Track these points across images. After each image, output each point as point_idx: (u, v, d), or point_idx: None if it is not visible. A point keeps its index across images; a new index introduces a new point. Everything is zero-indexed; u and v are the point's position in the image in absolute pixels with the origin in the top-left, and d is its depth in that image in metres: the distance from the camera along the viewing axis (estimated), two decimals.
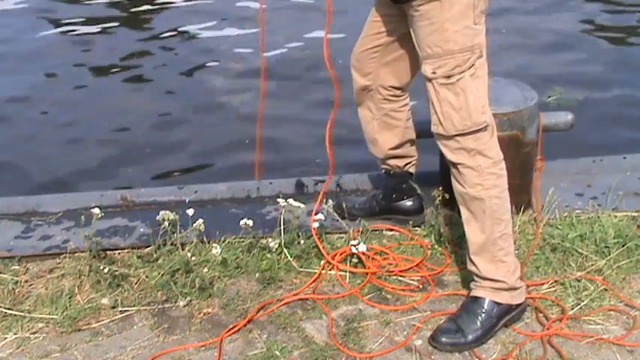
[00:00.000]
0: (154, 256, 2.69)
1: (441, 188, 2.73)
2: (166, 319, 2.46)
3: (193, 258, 2.62)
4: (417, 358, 2.25)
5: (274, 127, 4.70)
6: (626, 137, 4.42)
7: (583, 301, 2.45)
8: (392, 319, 2.41)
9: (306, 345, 2.30)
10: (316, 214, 2.74)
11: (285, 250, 2.68)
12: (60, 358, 2.30)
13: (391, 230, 2.86)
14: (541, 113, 2.83)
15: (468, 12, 2.15)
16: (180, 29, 6.71)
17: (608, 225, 2.75)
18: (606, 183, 3.08)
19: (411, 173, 2.81)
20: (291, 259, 2.67)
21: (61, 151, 4.59)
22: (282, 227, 2.70)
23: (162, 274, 2.57)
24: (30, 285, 2.63)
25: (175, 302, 2.51)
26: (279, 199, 2.79)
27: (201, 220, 2.66)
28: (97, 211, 2.66)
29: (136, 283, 2.60)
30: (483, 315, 2.30)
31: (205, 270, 2.61)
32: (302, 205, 2.74)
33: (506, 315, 2.34)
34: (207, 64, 5.88)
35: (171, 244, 2.68)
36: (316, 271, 2.63)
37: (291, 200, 2.75)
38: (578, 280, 2.54)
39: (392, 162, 2.78)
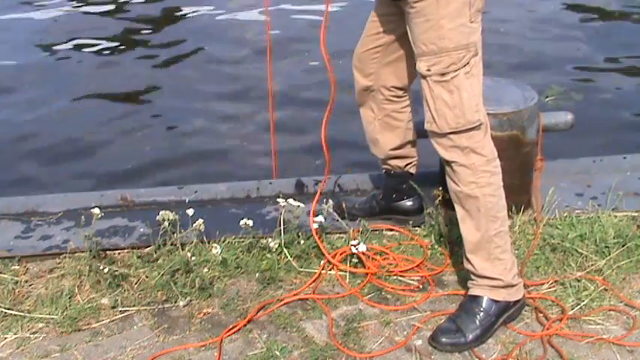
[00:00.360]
0: (154, 256, 2.69)
1: (440, 188, 2.73)
2: (166, 319, 2.46)
3: (193, 258, 2.62)
4: (417, 358, 2.25)
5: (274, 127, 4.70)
6: (626, 137, 4.42)
7: (583, 301, 2.45)
8: (392, 319, 2.41)
9: (306, 345, 2.30)
10: (315, 214, 2.74)
11: (285, 250, 2.68)
12: (60, 358, 2.30)
13: (391, 230, 2.86)
14: (541, 113, 2.83)
15: (464, 10, 2.15)
16: (181, 27, 6.73)
17: (608, 225, 2.75)
18: (606, 183, 3.08)
19: (412, 174, 2.81)
20: (291, 259, 2.67)
21: (61, 151, 4.60)
22: (282, 227, 2.70)
23: (162, 274, 2.57)
24: (30, 285, 2.63)
25: (175, 302, 2.51)
26: (279, 199, 2.79)
27: (201, 220, 2.66)
28: (97, 211, 2.66)
29: (136, 283, 2.60)
30: (482, 314, 2.30)
31: (205, 270, 2.61)
32: (302, 205, 2.74)
33: (505, 312, 2.34)
34: (207, 64, 5.90)
35: (171, 244, 2.68)
36: (316, 271, 2.63)
37: (291, 200, 2.75)
38: (578, 280, 2.54)
39: (393, 162, 2.78)
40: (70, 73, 5.78)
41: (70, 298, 2.52)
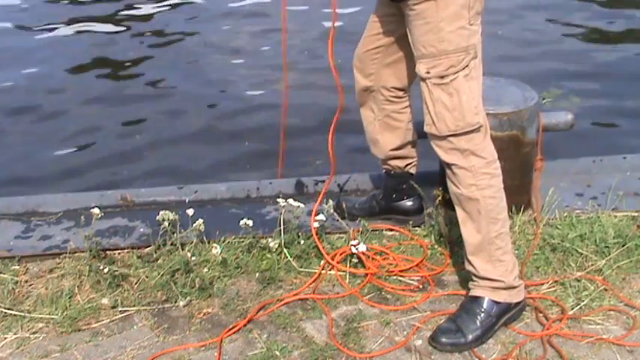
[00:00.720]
0: (154, 256, 2.69)
1: (440, 188, 2.73)
2: (166, 319, 2.46)
3: (193, 258, 2.62)
4: (417, 358, 2.25)
5: (273, 128, 4.71)
6: (626, 137, 4.43)
7: (583, 301, 2.45)
8: (392, 319, 2.41)
9: (306, 345, 2.30)
10: (317, 214, 2.74)
11: (285, 250, 2.68)
12: (60, 358, 2.30)
13: (391, 230, 2.86)
14: (541, 113, 2.83)
15: (463, 12, 2.15)
16: (182, 27, 6.73)
17: (608, 225, 2.75)
18: (606, 183, 3.08)
19: (412, 174, 2.81)
20: (291, 259, 2.67)
21: (61, 151, 4.60)
22: (282, 227, 2.70)
23: (162, 274, 2.57)
24: (30, 285, 2.63)
25: (175, 302, 2.51)
26: (279, 199, 2.79)
27: (201, 220, 2.66)
28: (97, 211, 2.66)
29: (136, 283, 2.60)
30: (482, 314, 2.30)
31: (205, 270, 2.61)
32: (302, 205, 2.74)
33: (506, 314, 2.34)
34: (208, 64, 5.90)
35: (171, 244, 2.68)
36: (316, 271, 2.63)
37: (291, 200, 2.75)
38: (578, 280, 2.54)
39: (393, 162, 2.78)
40: (67, 72, 5.79)
41: (70, 298, 2.52)
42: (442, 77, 2.20)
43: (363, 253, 2.63)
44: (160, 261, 2.65)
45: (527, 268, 2.61)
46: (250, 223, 2.69)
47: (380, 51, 2.53)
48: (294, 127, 4.72)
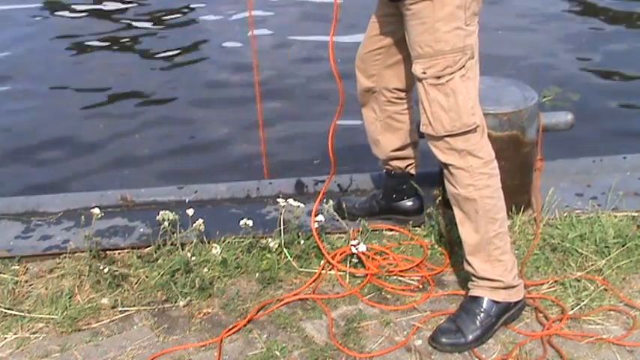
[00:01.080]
0: (154, 256, 2.70)
1: (440, 188, 2.74)
2: (166, 319, 2.46)
3: (193, 258, 2.62)
4: (417, 358, 2.25)
5: (273, 128, 4.71)
6: (626, 137, 4.42)
7: (583, 301, 2.45)
8: (392, 319, 2.41)
9: (306, 345, 2.30)
10: (317, 214, 2.74)
11: (285, 250, 2.68)
12: (60, 358, 2.30)
13: (391, 230, 2.86)
14: (541, 113, 2.83)
15: (460, 13, 2.15)
16: (181, 27, 6.73)
17: (608, 225, 2.75)
18: (606, 183, 3.08)
19: (412, 174, 2.81)
20: (291, 259, 2.67)
21: (61, 150, 4.59)
22: (282, 227, 2.70)
23: (162, 274, 2.57)
24: (30, 285, 2.63)
25: (175, 302, 2.51)
26: (279, 199, 2.79)
27: (201, 220, 2.66)
28: (97, 211, 2.66)
29: (136, 283, 2.60)
30: (482, 314, 2.30)
31: (205, 270, 2.61)
32: (302, 205, 2.74)
33: (505, 313, 2.34)
34: (206, 64, 5.90)
35: (172, 244, 2.68)
36: (316, 271, 2.63)
37: (291, 200, 2.75)
38: (578, 280, 2.54)
39: (393, 163, 2.78)
40: (68, 72, 5.79)
41: (70, 298, 2.52)
42: (438, 77, 2.20)
43: (363, 253, 2.63)
44: (159, 261, 2.65)
45: (527, 268, 2.61)
46: (250, 223, 2.69)
47: (382, 52, 2.53)
48: (293, 126, 4.74)
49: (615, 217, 2.83)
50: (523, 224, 2.80)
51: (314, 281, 2.59)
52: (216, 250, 2.65)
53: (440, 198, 2.75)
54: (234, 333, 2.37)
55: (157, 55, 6.09)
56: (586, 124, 4.24)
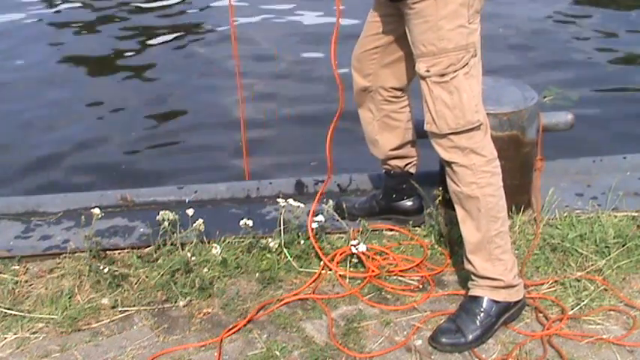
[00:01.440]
0: (154, 256, 2.69)
1: (441, 188, 2.73)
2: (166, 319, 2.46)
3: (193, 258, 2.62)
4: (417, 358, 2.25)
5: (272, 127, 4.72)
6: (626, 137, 4.43)
7: (583, 301, 2.45)
8: (392, 319, 2.41)
9: (306, 345, 2.30)
10: (315, 215, 2.74)
11: (285, 250, 2.68)
12: (60, 358, 2.30)
13: (391, 230, 2.86)
14: (541, 113, 2.83)
15: (463, 11, 2.15)
16: (180, 28, 6.73)
17: (608, 225, 2.75)
18: (606, 183, 3.08)
19: (412, 173, 2.81)
20: (291, 259, 2.67)
21: (61, 151, 4.60)
22: (282, 227, 2.70)
23: (162, 274, 2.57)
24: (30, 285, 2.63)
25: (175, 302, 2.51)
26: (279, 199, 2.79)
27: (201, 220, 2.66)
28: (97, 211, 2.66)
29: (136, 283, 2.60)
30: (482, 314, 2.30)
31: (205, 270, 2.61)
32: (302, 205, 2.74)
33: (505, 313, 2.34)
34: (205, 64, 5.91)
35: (172, 244, 2.68)
36: (316, 271, 2.63)
37: (291, 200, 2.75)
38: (578, 280, 2.54)
39: (392, 162, 2.78)
40: (66, 72, 5.79)
41: (70, 298, 2.52)
42: (442, 75, 2.20)
43: (363, 253, 2.63)
44: (160, 261, 2.65)
45: (527, 268, 2.61)
46: (250, 223, 2.69)
47: (378, 51, 2.53)
48: (293, 126, 4.75)
49: (615, 217, 2.83)
50: (523, 224, 2.80)
51: (314, 281, 2.59)
52: (216, 250, 2.65)
53: (440, 198, 2.75)
54: (234, 333, 2.37)
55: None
56: (586, 124, 4.24)
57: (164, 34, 6.62)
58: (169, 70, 5.80)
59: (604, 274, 2.57)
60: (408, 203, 2.86)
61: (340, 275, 2.61)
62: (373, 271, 2.59)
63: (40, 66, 5.94)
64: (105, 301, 2.50)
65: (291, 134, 4.66)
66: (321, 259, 2.67)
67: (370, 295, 2.53)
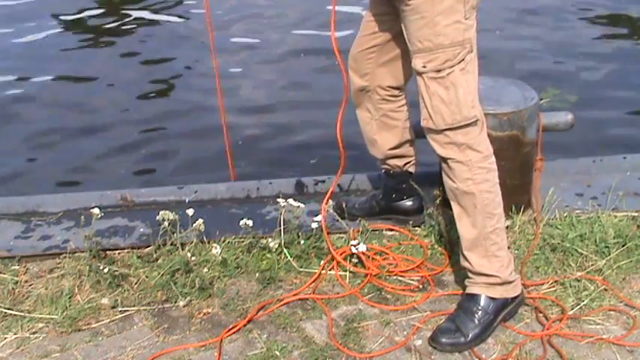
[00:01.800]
0: (154, 256, 2.69)
1: (440, 188, 2.74)
2: (166, 319, 2.46)
3: (193, 258, 2.62)
4: (417, 358, 2.25)
5: (271, 127, 4.72)
6: (626, 137, 4.42)
7: (583, 301, 2.45)
8: (392, 319, 2.41)
9: (306, 345, 2.30)
10: (315, 214, 2.74)
11: (285, 250, 2.68)
12: (60, 358, 2.30)
13: (391, 230, 2.86)
14: (541, 113, 2.83)
15: (459, 6, 2.16)
16: (179, 29, 6.73)
17: (608, 225, 2.75)
18: (606, 183, 3.08)
19: (411, 173, 2.81)
20: (291, 259, 2.67)
21: (61, 151, 4.60)
22: (282, 227, 2.70)
23: (162, 274, 2.57)
24: (30, 285, 2.63)
25: (175, 302, 2.51)
26: (279, 199, 2.79)
27: (201, 220, 2.66)
28: (97, 211, 2.66)
29: (136, 283, 2.60)
30: (480, 312, 2.31)
31: (205, 270, 2.61)
32: (302, 205, 2.74)
33: (503, 310, 2.34)
34: (203, 63, 5.90)
35: (172, 244, 2.68)
36: (316, 271, 2.63)
37: (291, 200, 2.75)
38: (578, 280, 2.54)
39: (391, 162, 2.78)
40: (65, 73, 5.80)
41: (70, 298, 2.52)
42: (438, 71, 2.20)
43: (363, 253, 2.63)
44: (160, 261, 2.65)
45: (527, 268, 2.61)
46: (250, 223, 2.69)
47: (375, 50, 2.53)
48: (292, 126, 4.74)
49: (615, 217, 2.83)
50: (523, 224, 2.80)
51: (314, 281, 2.59)
52: (216, 250, 2.65)
53: (440, 198, 2.75)
54: (234, 333, 2.37)
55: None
56: (586, 124, 4.24)
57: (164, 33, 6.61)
58: (169, 70, 5.80)
59: (604, 274, 2.57)
60: (408, 203, 2.86)
61: (341, 274, 2.60)
62: (375, 266, 2.59)
63: (39, 63, 5.94)
64: (105, 301, 2.50)
65: (289, 132, 4.66)
66: (320, 259, 2.67)
67: (370, 295, 2.53)
